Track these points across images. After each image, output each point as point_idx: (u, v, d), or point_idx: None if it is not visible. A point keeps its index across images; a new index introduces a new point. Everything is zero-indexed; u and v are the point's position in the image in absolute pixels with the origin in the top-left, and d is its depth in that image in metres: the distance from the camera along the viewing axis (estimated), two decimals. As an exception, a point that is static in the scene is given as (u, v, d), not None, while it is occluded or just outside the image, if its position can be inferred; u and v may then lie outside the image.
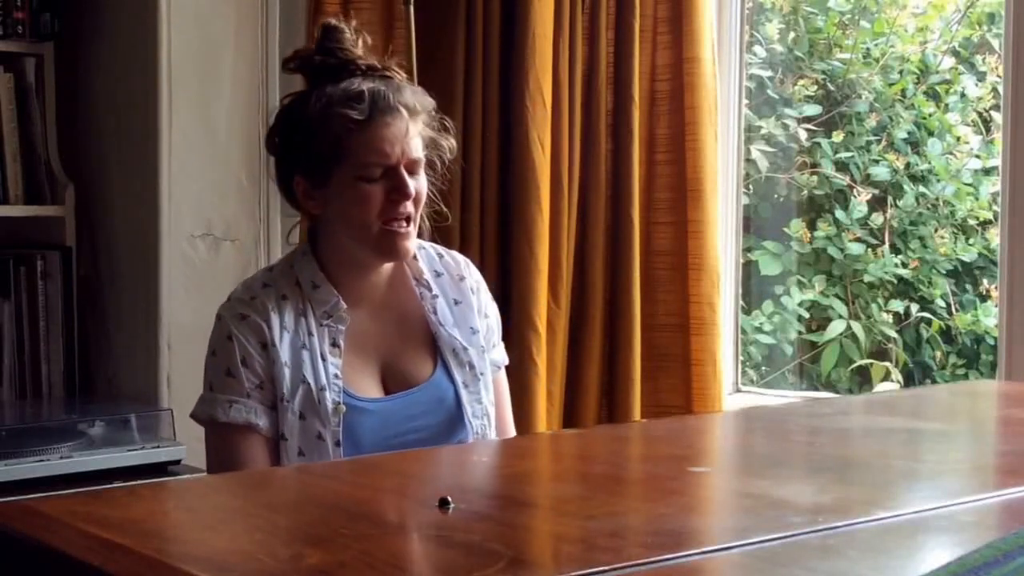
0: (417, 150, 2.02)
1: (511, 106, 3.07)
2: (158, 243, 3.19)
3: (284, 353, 2.00)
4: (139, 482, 2.77)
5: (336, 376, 2.01)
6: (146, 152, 3.20)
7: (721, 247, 3.09)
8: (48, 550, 1.14)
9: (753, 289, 3.93)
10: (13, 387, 3.25)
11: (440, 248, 2.19)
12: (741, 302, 3.36)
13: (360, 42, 2.08)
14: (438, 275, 2.15)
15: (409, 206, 2.02)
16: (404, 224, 2.02)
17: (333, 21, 2.09)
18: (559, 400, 3.10)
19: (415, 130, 2.02)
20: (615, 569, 1.06)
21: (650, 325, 3.10)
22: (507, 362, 2.26)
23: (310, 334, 2.02)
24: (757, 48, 3.96)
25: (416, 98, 2.03)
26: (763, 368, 3.96)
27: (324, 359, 2.01)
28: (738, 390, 3.29)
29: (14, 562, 1.18)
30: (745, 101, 3.38)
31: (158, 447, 3.00)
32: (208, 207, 3.26)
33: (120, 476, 2.89)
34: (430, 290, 2.12)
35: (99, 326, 3.37)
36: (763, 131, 3.94)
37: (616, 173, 3.11)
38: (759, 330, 3.91)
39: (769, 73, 4.02)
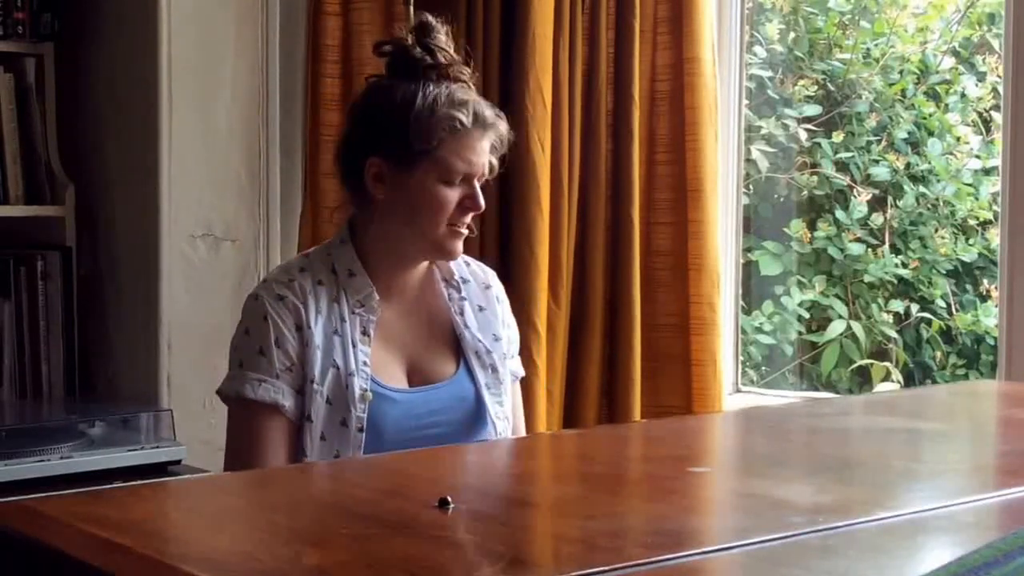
0: (488, 167, 2.11)
1: (511, 106, 3.07)
2: (158, 243, 3.19)
3: (317, 336, 2.04)
4: (139, 482, 2.77)
5: (365, 363, 2.05)
6: (146, 152, 3.20)
7: (721, 247, 3.08)
8: (48, 550, 1.14)
9: (753, 289, 3.92)
10: (13, 387, 3.25)
11: (466, 256, 2.24)
12: (741, 302, 3.36)
13: (453, 45, 2.13)
14: (464, 281, 2.20)
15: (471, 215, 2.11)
16: (466, 229, 2.10)
17: (431, 19, 2.11)
18: (559, 400, 3.10)
19: (490, 148, 2.11)
20: (615, 569, 1.06)
21: (650, 325, 3.10)
22: (523, 374, 2.30)
23: (342, 320, 2.06)
24: (757, 48, 3.96)
25: (500, 121, 2.12)
26: (763, 368, 3.96)
27: (354, 345, 2.05)
28: (738, 390, 3.29)
29: (14, 562, 1.18)
30: (745, 101, 3.38)
31: (158, 447, 3.00)
32: (208, 207, 3.25)
33: (120, 476, 2.89)
34: (459, 291, 2.18)
35: (99, 326, 3.37)
36: (763, 131, 3.94)
37: (616, 173, 3.11)
38: (759, 330, 3.91)
39: (769, 73, 4.02)
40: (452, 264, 2.18)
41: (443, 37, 2.11)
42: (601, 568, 1.05)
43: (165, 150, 3.17)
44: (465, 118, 2.05)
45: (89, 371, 3.37)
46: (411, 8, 2.97)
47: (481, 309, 2.19)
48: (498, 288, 2.25)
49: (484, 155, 2.09)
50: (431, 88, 2.06)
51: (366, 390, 2.03)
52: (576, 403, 3.12)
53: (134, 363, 3.28)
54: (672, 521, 1.27)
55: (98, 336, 3.38)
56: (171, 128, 3.18)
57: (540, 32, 3.03)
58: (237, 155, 3.29)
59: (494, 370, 2.14)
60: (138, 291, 3.26)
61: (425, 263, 2.17)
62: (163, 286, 3.19)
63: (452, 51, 2.11)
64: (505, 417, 2.14)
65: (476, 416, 2.12)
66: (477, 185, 2.09)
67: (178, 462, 2.99)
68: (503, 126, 2.12)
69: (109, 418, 3.07)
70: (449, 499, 1.24)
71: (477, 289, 2.21)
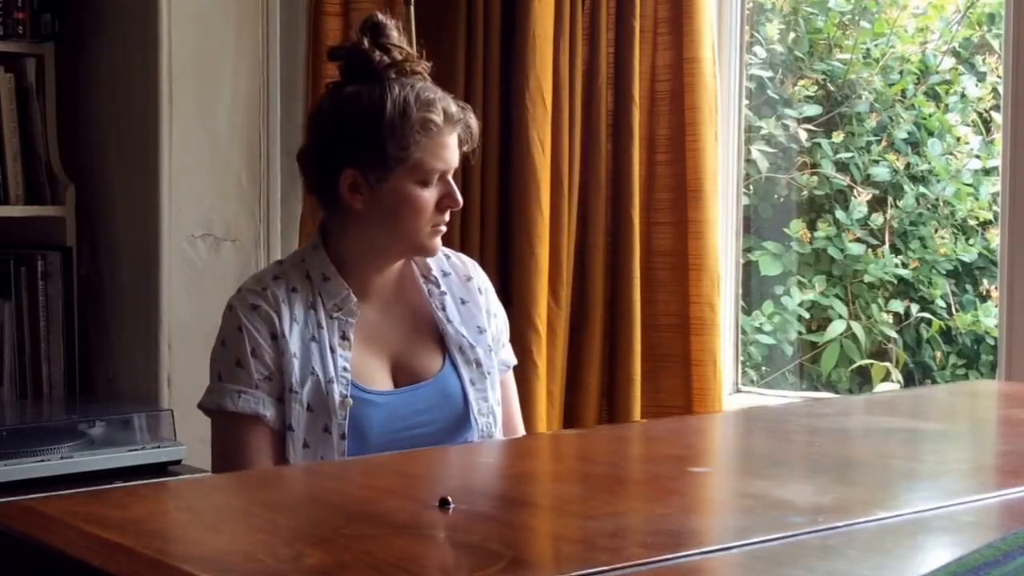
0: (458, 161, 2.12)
1: (511, 106, 3.07)
2: (158, 243, 3.19)
3: (293, 344, 2.03)
4: (139, 482, 2.77)
5: (345, 369, 2.04)
6: (146, 152, 3.19)
7: (721, 247, 3.09)
8: (48, 550, 1.14)
9: (753, 289, 3.92)
10: (13, 387, 3.25)
11: (446, 249, 2.23)
12: (741, 302, 3.36)
13: (405, 39, 2.12)
14: (445, 274, 2.19)
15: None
16: (445, 227, 2.10)
17: (381, 17, 2.10)
18: (559, 400, 3.10)
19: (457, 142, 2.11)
20: (615, 569, 1.06)
21: (650, 325, 3.10)
22: (515, 363, 2.30)
23: (319, 327, 2.05)
24: (757, 48, 3.96)
25: (467, 112, 2.10)
26: (763, 368, 3.96)
27: (333, 351, 2.04)
28: (738, 390, 3.29)
29: (14, 562, 1.18)
30: (745, 101, 3.38)
31: (158, 447, 3.00)
32: (208, 207, 3.25)
33: (120, 476, 2.89)
34: (438, 287, 2.17)
35: (99, 326, 3.37)
36: (763, 131, 3.94)
37: (616, 173, 3.11)
38: (759, 330, 3.91)
39: (769, 73, 4.02)
40: (430, 259, 2.18)
41: (395, 34, 2.09)
42: (601, 568, 1.05)
43: (165, 150, 3.17)
44: (437, 117, 2.03)
45: (89, 371, 3.37)
46: (411, 8, 2.97)
47: (463, 302, 2.17)
48: (480, 279, 2.23)
49: (455, 150, 2.07)
50: (396, 90, 2.04)
51: (346, 396, 2.02)
52: (576, 403, 3.12)
53: (134, 363, 3.28)
54: (672, 521, 1.27)
55: (98, 336, 3.38)
56: (171, 128, 3.18)
57: (540, 32, 3.03)
58: (237, 155, 3.29)
59: (478, 364, 2.13)
60: (138, 291, 3.26)
61: (401, 261, 2.15)
62: (163, 286, 3.19)
63: (406, 45, 2.10)
64: (490, 412, 2.12)
65: (461, 414, 2.11)
66: (452, 181, 2.08)
67: (178, 462, 2.99)
68: (471, 117, 2.10)
69: (109, 418, 3.07)
70: (449, 499, 1.24)
71: (458, 282, 2.19)
